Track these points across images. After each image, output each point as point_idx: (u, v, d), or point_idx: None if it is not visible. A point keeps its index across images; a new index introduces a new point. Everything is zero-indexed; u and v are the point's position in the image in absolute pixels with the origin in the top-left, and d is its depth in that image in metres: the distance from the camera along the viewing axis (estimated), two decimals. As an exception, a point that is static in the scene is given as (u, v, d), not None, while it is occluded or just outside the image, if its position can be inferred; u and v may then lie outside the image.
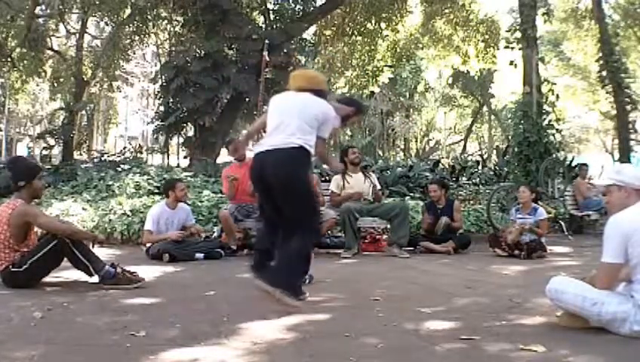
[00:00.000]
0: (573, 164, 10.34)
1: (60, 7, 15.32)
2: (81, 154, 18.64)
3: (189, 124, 13.51)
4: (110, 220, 7.02)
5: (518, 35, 9.99)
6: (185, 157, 14.31)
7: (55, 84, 19.38)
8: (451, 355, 2.43)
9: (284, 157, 3.39)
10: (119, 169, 9.91)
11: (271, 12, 14.47)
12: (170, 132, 13.65)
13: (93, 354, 2.41)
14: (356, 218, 6.12)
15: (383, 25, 16.27)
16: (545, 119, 9.40)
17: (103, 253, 4.96)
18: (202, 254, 5.63)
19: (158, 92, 14.46)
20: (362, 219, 6.24)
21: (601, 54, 13.36)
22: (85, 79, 16.93)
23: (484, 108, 31.40)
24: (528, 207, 6.26)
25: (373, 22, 16.20)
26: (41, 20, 15.98)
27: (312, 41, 16.50)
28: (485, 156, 19.09)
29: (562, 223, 8.30)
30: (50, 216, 5.20)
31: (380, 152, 24.62)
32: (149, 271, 4.45)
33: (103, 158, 12.37)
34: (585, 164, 9.54)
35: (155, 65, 20.15)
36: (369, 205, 6.37)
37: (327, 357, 2.40)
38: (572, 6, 20.00)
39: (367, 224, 6.42)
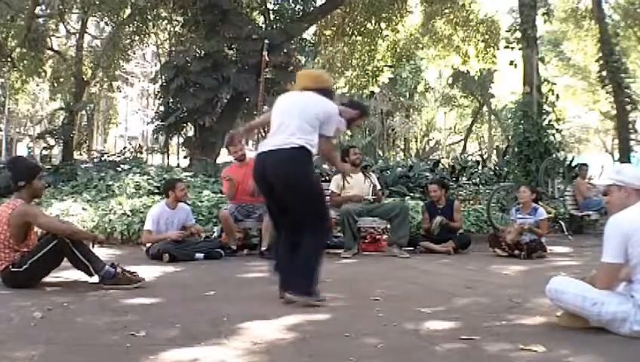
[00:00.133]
0: (573, 164, 10.34)
1: (60, 7, 15.31)
2: (81, 154, 18.63)
3: (189, 124, 13.51)
4: (110, 220, 7.02)
5: (518, 35, 9.99)
6: (185, 157, 14.30)
7: (55, 84, 19.37)
8: (451, 355, 2.43)
9: (284, 157, 3.42)
10: (119, 169, 9.91)
11: (271, 12, 14.46)
12: (170, 132, 13.65)
13: (93, 354, 2.41)
14: (355, 220, 6.13)
15: (383, 25, 16.26)
16: (545, 119, 9.40)
17: (103, 253, 4.96)
18: (202, 254, 5.63)
19: (158, 92, 14.46)
20: (362, 219, 6.25)
21: (601, 54, 13.36)
22: (85, 79, 16.92)
23: (484, 108, 31.41)
24: (528, 207, 6.26)
25: (373, 22, 16.19)
26: (41, 20, 15.97)
27: (312, 41, 16.50)
28: (485, 156, 19.10)
29: (562, 223, 8.30)
30: (50, 216, 5.20)
31: (380, 152, 24.64)
32: (149, 271, 4.45)
33: (103, 158, 12.37)
34: (585, 164, 9.54)
35: (155, 65, 20.15)
36: (369, 205, 6.37)
37: (327, 357, 2.40)
38: (572, 6, 19.99)
39: (367, 224, 6.42)
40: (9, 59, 15.57)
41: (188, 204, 6.34)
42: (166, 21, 15.15)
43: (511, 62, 10.36)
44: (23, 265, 3.78)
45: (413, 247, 6.47)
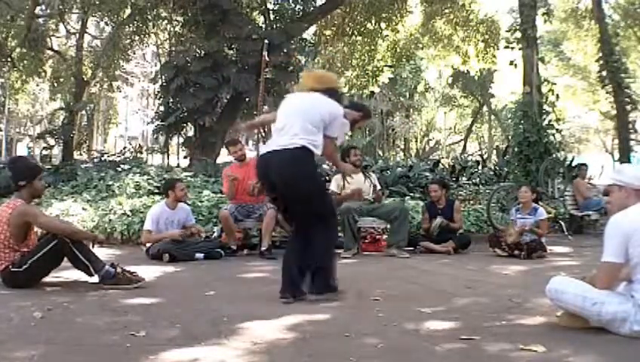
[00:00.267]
0: (573, 164, 10.34)
1: (60, 7, 15.30)
2: (81, 154, 18.62)
3: (189, 124, 13.50)
4: (110, 220, 7.01)
5: (518, 35, 9.98)
6: (185, 157, 14.29)
7: (55, 84, 19.36)
8: (451, 355, 2.43)
9: (288, 157, 3.48)
10: (119, 169, 9.90)
11: (271, 12, 14.45)
12: (170, 132, 13.64)
13: (93, 354, 2.41)
14: (355, 220, 6.13)
15: (383, 25, 16.25)
16: (545, 119, 9.39)
17: (103, 253, 4.96)
18: (202, 254, 5.63)
19: (158, 92, 14.44)
20: (362, 219, 6.25)
21: (601, 54, 13.35)
22: (85, 79, 16.91)
23: (484, 108, 31.40)
24: (528, 207, 6.26)
25: (373, 22, 16.17)
26: (41, 20, 15.96)
27: (312, 41, 16.48)
28: (485, 156, 19.08)
29: (562, 223, 8.30)
30: (50, 216, 5.21)
31: (380, 152, 24.61)
32: (149, 271, 4.45)
33: (103, 158, 12.36)
34: (584, 164, 9.53)
35: (155, 65, 20.13)
36: (369, 205, 6.37)
37: (327, 357, 2.40)
38: (572, 6, 19.98)
39: (367, 224, 6.42)
40: (9, 59, 15.56)
41: (188, 204, 6.34)
42: (166, 21, 15.13)
43: (511, 62, 10.35)
44: (23, 265, 3.79)
45: (413, 247, 6.46)
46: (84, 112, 19.32)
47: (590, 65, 19.80)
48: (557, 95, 9.89)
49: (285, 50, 12.98)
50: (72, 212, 7.15)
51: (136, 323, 2.88)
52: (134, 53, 19.66)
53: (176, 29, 14.79)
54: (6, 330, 2.75)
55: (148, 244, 5.73)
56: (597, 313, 2.70)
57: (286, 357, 2.40)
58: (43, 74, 17.86)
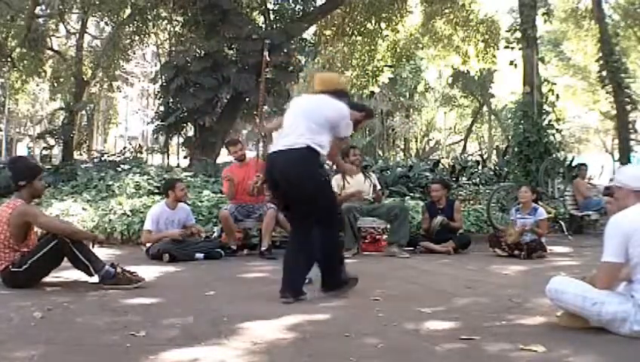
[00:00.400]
0: (573, 164, 10.34)
1: (60, 7, 15.29)
2: (81, 154, 18.61)
3: (189, 124, 13.50)
4: (110, 220, 7.01)
5: (518, 35, 9.97)
6: (185, 157, 14.29)
7: (55, 84, 19.35)
8: (451, 355, 2.43)
9: (293, 157, 3.53)
10: (119, 169, 9.90)
11: (271, 12, 14.44)
12: (170, 132, 13.64)
13: (93, 354, 2.41)
14: (356, 218, 6.13)
15: (383, 25, 16.24)
16: (545, 119, 9.39)
17: (103, 253, 4.96)
18: (202, 254, 5.63)
19: (158, 92, 14.44)
20: (362, 219, 6.26)
21: (601, 54, 13.34)
22: (85, 79, 16.91)
23: (484, 108, 31.39)
24: (528, 207, 6.27)
25: (373, 22, 16.17)
26: (41, 20, 15.95)
27: (312, 41, 16.48)
28: (485, 156, 19.08)
29: (562, 223, 8.30)
30: (50, 216, 5.21)
31: (380, 152, 24.60)
32: (149, 271, 4.45)
33: (103, 158, 12.36)
34: (584, 164, 9.54)
35: (155, 65, 20.13)
36: (369, 205, 6.38)
37: (327, 357, 2.40)
38: (572, 6, 19.97)
39: (367, 224, 6.42)
40: (9, 59, 15.55)
41: (188, 204, 6.34)
42: (166, 21, 15.13)
43: (511, 62, 10.34)
44: (23, 265, 3.79)
45: (413, 247, 6.47)
46: (84, 112, 19.31)
47: (590, 65, 19.79)
48: (557, 95, 9.89)
49: (285, 50, 12.97)
50: (72, 212, 7.15)
51: (136, 323, 2.88)
52: (134, 53, 19.66)
53: (176, 29, 14.79)
54: (6, 330, 2.75)
55: (148, 244, 5.73)
56: (597, 313, 2.70)
57: (286, 357, 2.40)
58: (43, 74, 17.85)
